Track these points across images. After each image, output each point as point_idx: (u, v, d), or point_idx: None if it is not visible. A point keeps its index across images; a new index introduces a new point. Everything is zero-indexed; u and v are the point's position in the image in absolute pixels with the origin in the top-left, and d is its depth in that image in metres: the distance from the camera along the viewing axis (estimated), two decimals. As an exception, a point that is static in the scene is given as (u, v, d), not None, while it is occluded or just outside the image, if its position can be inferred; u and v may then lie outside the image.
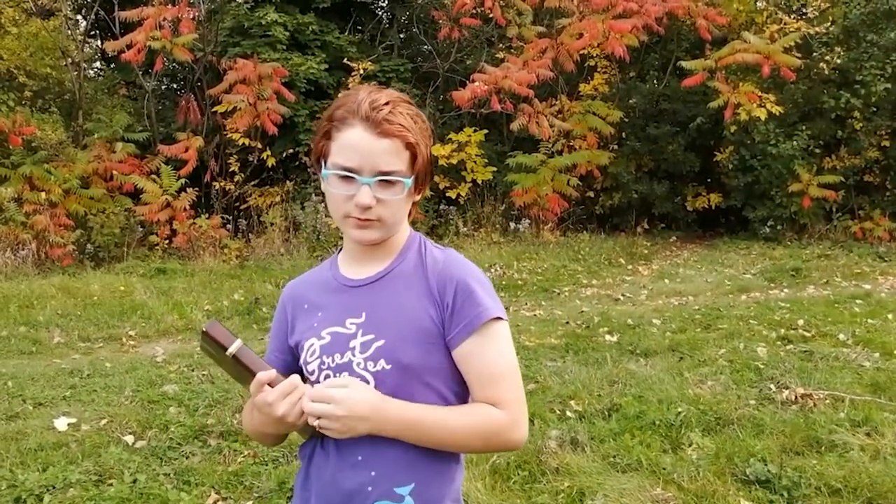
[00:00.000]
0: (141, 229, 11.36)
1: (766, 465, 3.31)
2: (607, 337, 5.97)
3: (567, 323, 6.67)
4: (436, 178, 12.30)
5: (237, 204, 12.79)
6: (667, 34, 13.68)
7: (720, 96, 11.95)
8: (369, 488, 1.29)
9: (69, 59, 13.71)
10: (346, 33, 14.55)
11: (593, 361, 5.20)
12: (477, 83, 11.86)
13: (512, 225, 12.54)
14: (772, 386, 4.48)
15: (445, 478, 1.34)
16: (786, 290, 8.26)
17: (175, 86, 16.42)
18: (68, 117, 12.94)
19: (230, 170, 12.38)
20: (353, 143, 1.27)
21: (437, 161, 12.01)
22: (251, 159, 12.54)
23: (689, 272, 9.86)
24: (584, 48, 12.70)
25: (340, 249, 1.46)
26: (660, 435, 3.75)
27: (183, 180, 11.34)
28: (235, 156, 12.45)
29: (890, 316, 6.44)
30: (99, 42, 16.32)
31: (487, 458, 3.51)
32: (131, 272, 9.50)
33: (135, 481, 3.36)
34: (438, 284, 1.33)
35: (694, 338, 5.82)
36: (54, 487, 3.28)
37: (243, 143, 12.10)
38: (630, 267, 10.48)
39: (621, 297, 8.23)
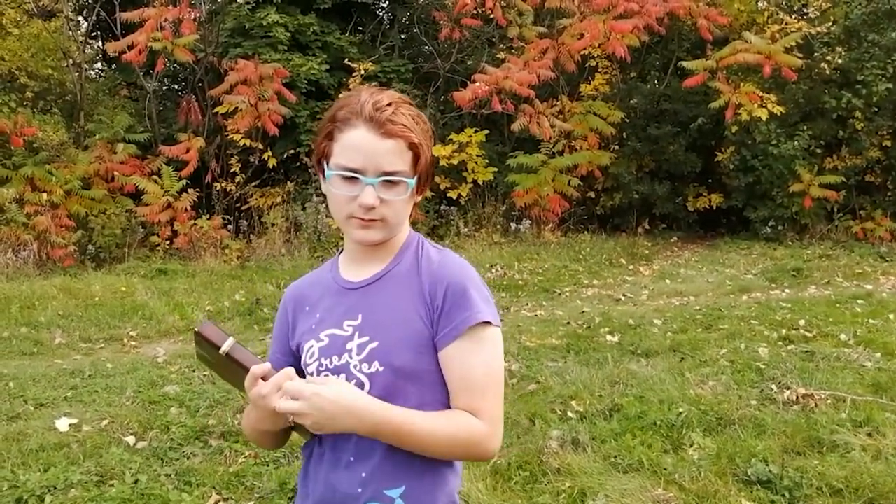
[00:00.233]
0: (142, 230, 11.37)
1: (767, 465, 3.31)
2: (608, 337, 5.97)
3: (568, 323, 6.67)
4: (437, 179, 12.31)
5: (238, 205, 12.80)
6: (668, 34, 13.69)
7: (721, 96, 11.95)
8: (359, 489, 1.29)
9: (70, 61, 13.74)
10: (347, 34, 14.57)
11: (594, 362, 5.20)
12: (478, 84, 11.86)
13: (513, 225, 12.55)
14: (773, 386, 4.48)
15: (437, 481, 1.33)
16: (787, 291, 8.26)
17: (176, 87, 16.43)
18: (70, 118, 12.96)
19: (231, 170, 12.38)
20: (356, 144, 1.27)
21: (438, 162, 12.01)
22: (252, 160, 12.55)
23: (690, 272, 9.85)
24: (585, 48, 12.71)
25: (341, 251, 1.46)
26: (661, 435, 3.75)
27: (184, 181, 11.34)
28: (236, 156, 12.45)
29: (891, 316, 6.43)
30: (100, 43, 16.35)
31: (489, 458, 3.51)
32: (132, 273, 9.50)
33: (136, 482, 3.36)
34: (430, 285, 1.32)
35: (695, 338, 5.82)
36: (55, 488, 3.28)
37: (244, 144, 12.11)
38: (631, 267, 10.48)
39: (622, 298, 8.23)
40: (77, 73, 13.31)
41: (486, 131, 12.84)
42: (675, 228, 14.18)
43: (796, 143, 12.03)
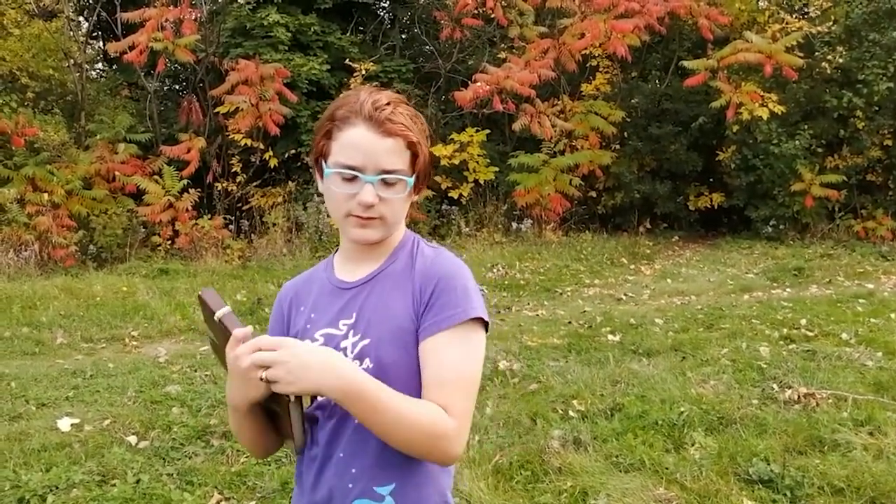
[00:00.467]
0: (143, 230, 11.38)
1: (768, 464, 3.31)
2: (610, 337, 5.97)
3: (569, 323, 6.67)
4: (438, 179, 12.32)
5: (239, 205, 12.81)
6: (669, 34, 13.68)
7: (722, 96, 11.94)
8: (350, 485, 1.29)
9: (71, 61, 13.74)
10: (348, 34, 14.57)
11: (596, 361, 5.21)
12: (479, 83, 11.86)
13: (514, 225, 12.55)
14: (774, 385, 4.48)
15: (428, 479, 1.32)
16: (788, 290, 8.25)
17: (177, 87, 16.44)
18: (71, 118, 12.97)
19: (232, 170, 12.39)
20: (355, 142, 1.28)
21: (439, 161, 12.02)
22: (253, 160, 12.56)
23: (691, 272, 9.85)
24: (585, 48, 12.71)
25: (337, 250, 1.46)
26: (662, 435, 3.75)
27: (185, 181, 11.34)
28: (237, 156, 12.46)
29: (893, 315, 6.43)
30: (101, 43, 16.37)
31: (490, 457, 3.51)
32: (134, 273, 9.51)
33: (138, 482, 3.37)
34: (422, 282, 1.32)
35: (696, 337, 5.82)
36: (57, 488, 3.29)
37: (245, 144, 12.12)
38: (632, 267, 10.48)
39: (624, 297, 8.23)
40: (78, 74, 13.32)
41: (488, 131, 12.85)
42: (676, 228, 14.17)
43: (797, 142, 12.03)
